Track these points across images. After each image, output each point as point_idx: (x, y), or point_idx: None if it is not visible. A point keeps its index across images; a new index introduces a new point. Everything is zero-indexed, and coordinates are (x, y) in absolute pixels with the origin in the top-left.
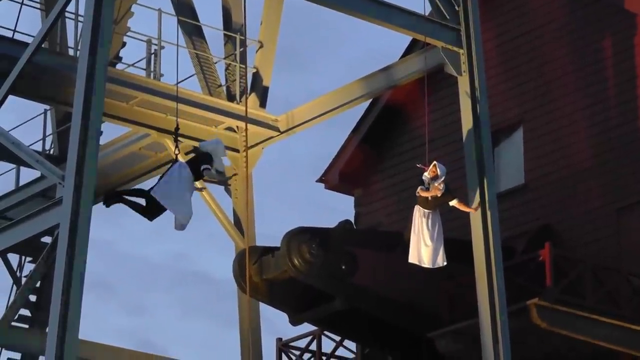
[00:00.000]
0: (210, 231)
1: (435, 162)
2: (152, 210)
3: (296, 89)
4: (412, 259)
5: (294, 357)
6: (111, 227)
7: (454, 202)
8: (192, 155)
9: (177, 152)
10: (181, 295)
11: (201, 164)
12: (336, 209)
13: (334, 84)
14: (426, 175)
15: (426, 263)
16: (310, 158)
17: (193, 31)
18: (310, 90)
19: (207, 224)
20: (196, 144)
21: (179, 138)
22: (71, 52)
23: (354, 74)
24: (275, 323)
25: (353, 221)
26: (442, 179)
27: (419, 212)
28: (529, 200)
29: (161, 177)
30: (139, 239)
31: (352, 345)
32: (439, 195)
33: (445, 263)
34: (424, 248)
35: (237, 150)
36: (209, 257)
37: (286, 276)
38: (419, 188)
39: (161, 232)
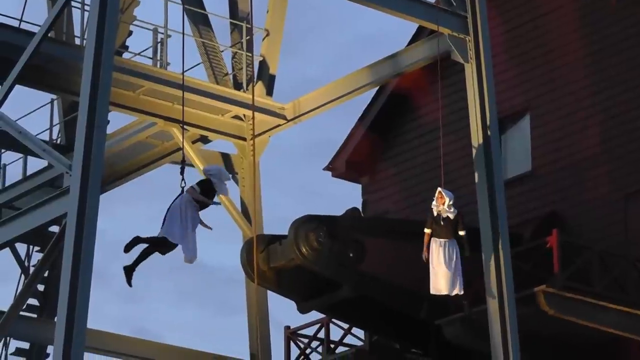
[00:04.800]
0: (207, 218)
1: (439, 189)
2: (164, 246)
3: (286, 74)
4: (433, 290)
5: (302, 345)
6: (105, 215)
7: (462, 233)
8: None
9: (183, 184)
10: (176, 283)
11: (207, 193)
12: (343, 197)
13: (323, 69)
14: (434, 204)
15: (444, 291)
16: (317, 146)
17: (199, 20)
18: (299, 75)
19: (204, 211)
20: (203, 132)
21: (186, 127)
22: (77, 41)
23: (343, 58)
24: (272, 312)
25: (360, 209)
26: (451, 202)
27: (435, 244)
28: (536, 187)
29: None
30: (133, 227)
31: (360, 332)
32: (451, 217)
33: (462, 292)
34: (441, 278)
35: (244, 139)
36: (204, 245)
37: (294, 264)
38: (425, 228)
39: (157, 220)
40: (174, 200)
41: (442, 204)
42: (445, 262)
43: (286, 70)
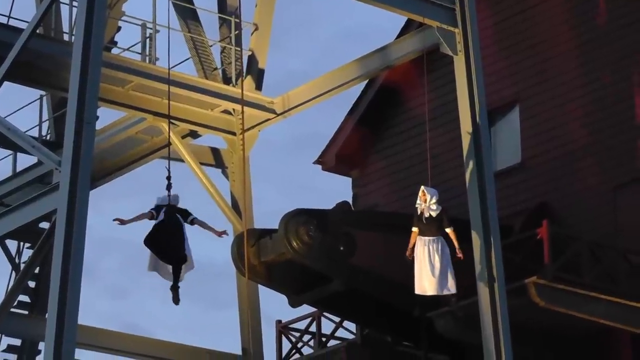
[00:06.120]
0: (197, 213)
1: (422, 187)
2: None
3: (271, 68)
4: (417, 290)
5: (293, 339)
6: (92, 211)
7: (448, 230)
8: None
9: (168, 201)
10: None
11: (181, 214)
12: (333, 191)
13: (308, 62)
14: (418, 202)
15: (429, 292)
16: (307, 139)
17: (188, 14)
18: (285, 69)
19: (195, 206)
20: (193, 127)
21: (175, 122)
22: (66, 37)
23: (329, 52)
24: (263, 307)
25: (351, 202)
26: (434, 199)
27: (420, 242)
28: (526, 179)
29: (168, 231)
30: None
31: (351, 326)
32: (433, 215)
33: (454, 291)
34: (425, 278)
35: (234, 133)
36: (194, 239)
37: (284, 258)
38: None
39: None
40: (169, 221)
41: (424, 202)
42: (430, 261)
43: (271, 64)
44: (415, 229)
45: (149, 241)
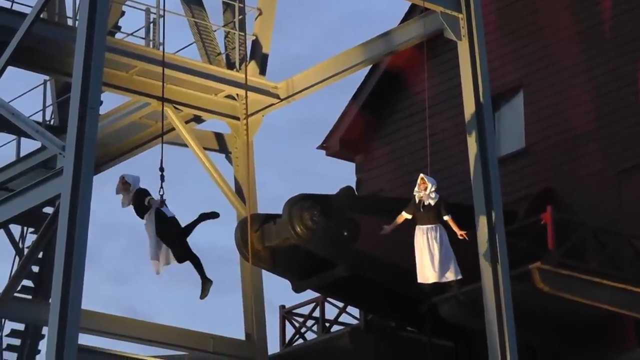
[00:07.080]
0: (197, 198)
1: (421, 174)
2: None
3: (274, 53)
4: (420, 279)
5: (297, 324)
6: (95, 196)
7: (447, 218)
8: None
9: (162, 192)
10: None
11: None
12: (337, 176)
13: (312, 48)
14: (417, 190)
15: (431, 279)
16: (310, 124)
17: None
18: (288, 54)
19: (198, 191)
20: (197, 112)
21: (179, 107)
22: (70, 22)
23: (330, 36)
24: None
25: (354, 187)
26: (433, 188)
27: (418, 231)
28: (530, 164)
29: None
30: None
31: (355, 311)
32: (432, 203)
33: (456, 277)
34: (427, 266)
35: (238, 118)
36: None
37: (288, 243)
38: (404, 211)
39: None
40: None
41: (424, 190)
42: (429, 249)
43: (275, 49)
44: (406, 215)
45: (180, 240)
